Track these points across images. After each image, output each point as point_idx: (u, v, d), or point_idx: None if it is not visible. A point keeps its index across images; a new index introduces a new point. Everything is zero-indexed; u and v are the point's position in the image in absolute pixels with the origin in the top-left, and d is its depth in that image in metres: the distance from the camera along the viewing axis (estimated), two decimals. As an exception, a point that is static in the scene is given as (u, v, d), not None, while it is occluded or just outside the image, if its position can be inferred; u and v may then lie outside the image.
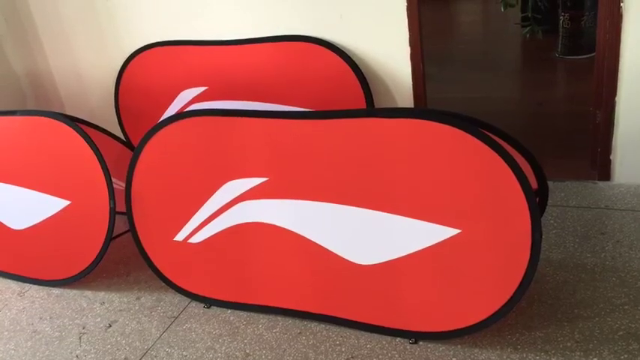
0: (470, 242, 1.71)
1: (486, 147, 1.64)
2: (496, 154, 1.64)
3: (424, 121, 1.73)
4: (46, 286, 2.37)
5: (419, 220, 1.76)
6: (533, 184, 1.77)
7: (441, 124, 1.70)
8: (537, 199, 1.79)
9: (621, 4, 2.23)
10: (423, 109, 2.56)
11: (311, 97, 2.66)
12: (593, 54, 2.53)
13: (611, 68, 2.35)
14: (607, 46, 2.33)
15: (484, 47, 5.03)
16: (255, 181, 2.00)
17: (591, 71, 2.52)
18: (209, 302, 2.14)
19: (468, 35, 5.43)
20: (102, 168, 2.18)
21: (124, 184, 2.24)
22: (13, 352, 2.03)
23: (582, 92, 3.33)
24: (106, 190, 2.18)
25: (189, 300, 2.17)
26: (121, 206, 2.22)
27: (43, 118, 2.31)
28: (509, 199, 1.64)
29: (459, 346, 1.78)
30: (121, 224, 2.30)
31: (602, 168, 2.55)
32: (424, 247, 1.77)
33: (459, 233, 1.71)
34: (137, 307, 2.18)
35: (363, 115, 1.85)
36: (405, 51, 2.52)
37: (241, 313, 2.07)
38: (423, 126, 1.74)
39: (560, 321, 1.81)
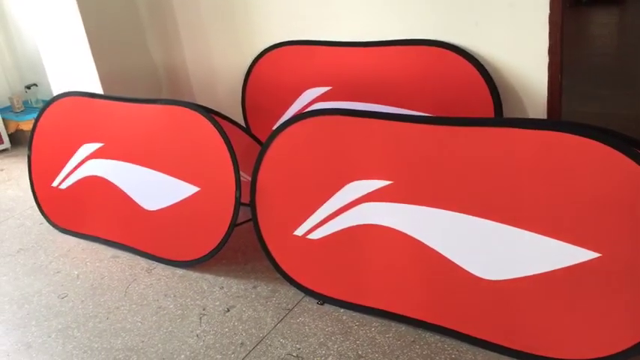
0: (610, 268, 1.59)
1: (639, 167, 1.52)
2: (649, 176, 1.51)
3: (565, 134, 1.64)
4: (172, 265, 2.51)
5: (553, 239, 1.67)
6: (688, 212, 1.61)
7: (585, 139, 1.61)
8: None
9: None
10: (563, 121, 2.41)
11: (437, 102, 2.61)
12: None
13: None
14: None
15: (621, 61, 4.68)
16: (379, 184, 1.99)
17: None
18: (323, 299, 2.16)
19: (603, 47, 5.07)
20: (231, 159, 2.27)
21: (248, 177, 2.32)
22: (139, 324, 2.17)
23: None
24: (234, 180, 2.27)
25: (303, 294, 2.20)
26: (244, 198, 2.30)
27: (181, 108, 2.44)
28: (661, 227, 1.51)
29: (586, 378, 1.67)
30: (240, 214, 2.37)
31: None
32: (556, 267, 1.67)
33: (598, 257, 1.60)
34: (254, 296, 2.25)
35: (497, 124, 1.79)
36: (543, 60, 2.39)
37: (354, 313, 2.07)
38: (563, 139, 1.65)
39: None
